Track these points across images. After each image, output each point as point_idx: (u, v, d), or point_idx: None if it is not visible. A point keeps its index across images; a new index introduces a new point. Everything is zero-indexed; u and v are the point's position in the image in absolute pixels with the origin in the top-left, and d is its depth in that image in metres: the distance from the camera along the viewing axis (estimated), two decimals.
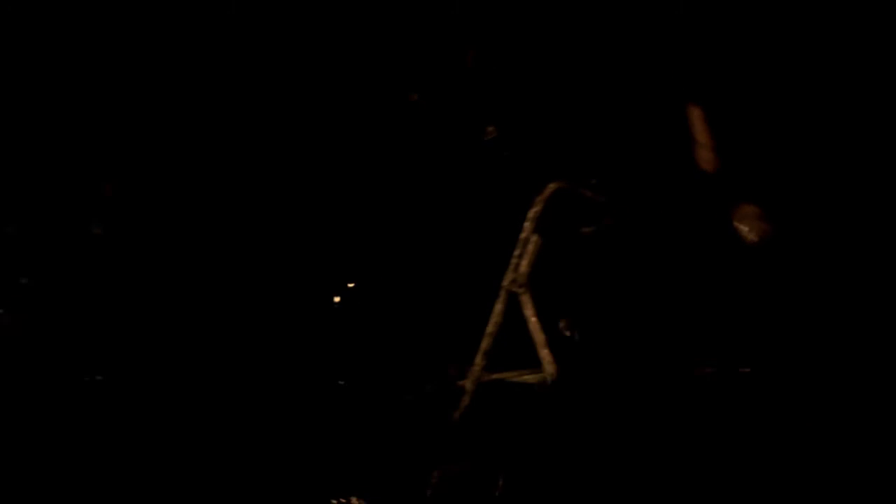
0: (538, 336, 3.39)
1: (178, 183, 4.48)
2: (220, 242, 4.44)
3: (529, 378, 3.49)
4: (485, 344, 3.43)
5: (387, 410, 3.84)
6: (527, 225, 3.45)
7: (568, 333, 3.87)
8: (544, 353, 3.38)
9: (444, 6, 4.46)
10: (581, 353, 3.70)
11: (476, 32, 4.42)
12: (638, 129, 4.37)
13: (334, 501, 3.46)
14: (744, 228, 3.61)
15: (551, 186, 3.47)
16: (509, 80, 4.46)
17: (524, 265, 3.42)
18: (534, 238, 3.44)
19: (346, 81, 4.53)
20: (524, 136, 4.39)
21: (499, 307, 3.43)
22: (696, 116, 3.73)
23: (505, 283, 3.43)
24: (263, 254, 4.43)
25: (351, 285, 4.35)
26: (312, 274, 4.35)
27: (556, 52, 4.44)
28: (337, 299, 4.37)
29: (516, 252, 3.43)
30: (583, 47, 4.41)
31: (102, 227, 4.39)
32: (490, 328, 3.43)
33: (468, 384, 3.44)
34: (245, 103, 4.51)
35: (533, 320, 3.40)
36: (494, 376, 3.48)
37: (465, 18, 4.43)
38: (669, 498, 3.23)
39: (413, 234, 4.33)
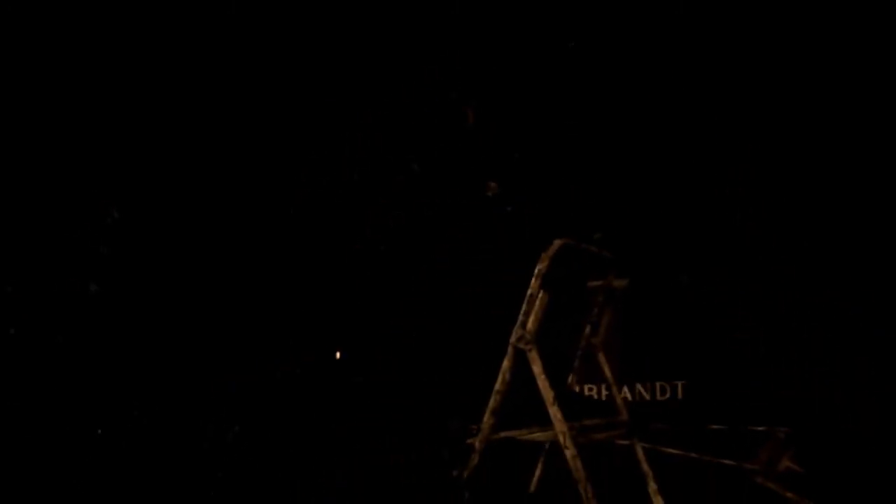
0: (547, 393, 3.35)
1: None
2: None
3: (539, 436, 3.45)
4: (493, 402, 3.40)
5: (395, 470, 3.80)
6: (533, 282, 3.43)
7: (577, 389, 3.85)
8: (554, 410, 3.34)
9: (443, 64, 4.49)
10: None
11: (474, 89, 4.45)
12: (642, 183, 4.39)
13: None
14: None
15: (557, 242, 3.45)
16: (510, 136, 4.48)
17: (531, 322, 3.39)
18: (541, 294, 3.42)
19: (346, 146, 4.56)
20: (527, 190, 4.40)
21: (506, 364, 3.40)
22: None
23: (512, 340, 3.40)
24: (270, 310, 4.42)
25: (356, 344, 4.33)
26: (320, 329, 4.33)
27: (556, 106, 4.47)
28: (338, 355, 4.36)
29: (523, 309, 3.41)
30: (584, 100, 4.44)
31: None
32: (498, 386, 3.40)
33: (477, 443, 3.40)
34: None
35: (541, 377, 3.36)
36: (504, 434, 3.44)
37: (464, 76, 4.47)
38: None
39: (419, 292, 4.32)
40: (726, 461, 3.24)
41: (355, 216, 4.49)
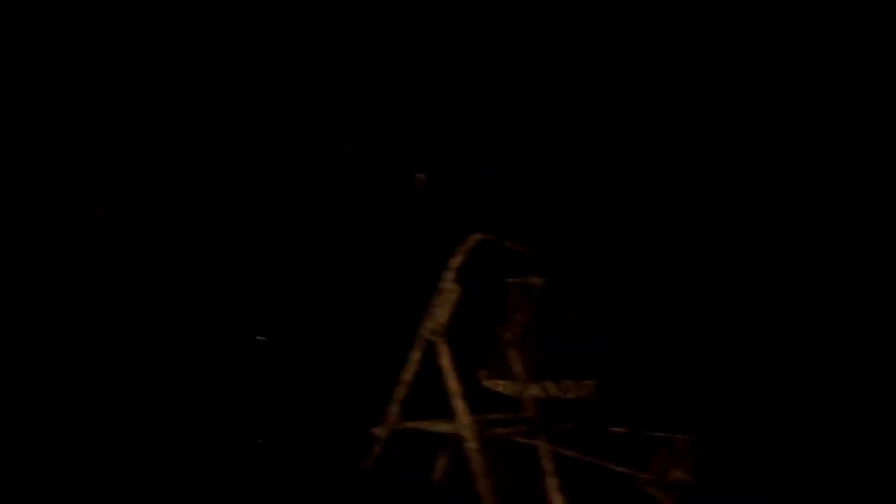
0: (454, 385, 3.38)
1: None
2: None
3: (443, 427, 3.48)
4: (399, 392, 3.42)
5: (299, 458, 3.81)
6: (448, 274, 3.45)
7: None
8: (459, 403, 3.37)
9: (378, 56, 4.49)
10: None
11: (413, 82, 4.45)
12: (566, 181, 4.42)
13: None
14: None
15: (475, 237, 3.48)
16: (443, 128, 4.49)
17: (442, 314, 3.42)
18: (454, 288, 3.44)
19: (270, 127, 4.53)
20: (454, 185, 4.41)
21: (415, 356, 3.42)
22: None
23: (422, 331, 3.43)
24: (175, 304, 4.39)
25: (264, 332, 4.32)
26: (224, 322, 4.31)
27: (490, 102, 4.48)
28: (259, 338, 4.34)
29: (435, 301, 3.43)
30: (512, 96, 4.46)
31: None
32: (405, 376, 3.42)
33: (381, 432, 3.42)
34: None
35: (449, 370, 3.39)
36: (408, 425, 3.46)
37: (402, 68, 4.46)
38: None
39: (332, 279, 4.31)
40: (621, 468, 3.28)
41: (275, 201, 4.46)
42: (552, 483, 3.71)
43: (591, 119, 4.39)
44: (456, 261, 3.45)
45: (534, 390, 4.08)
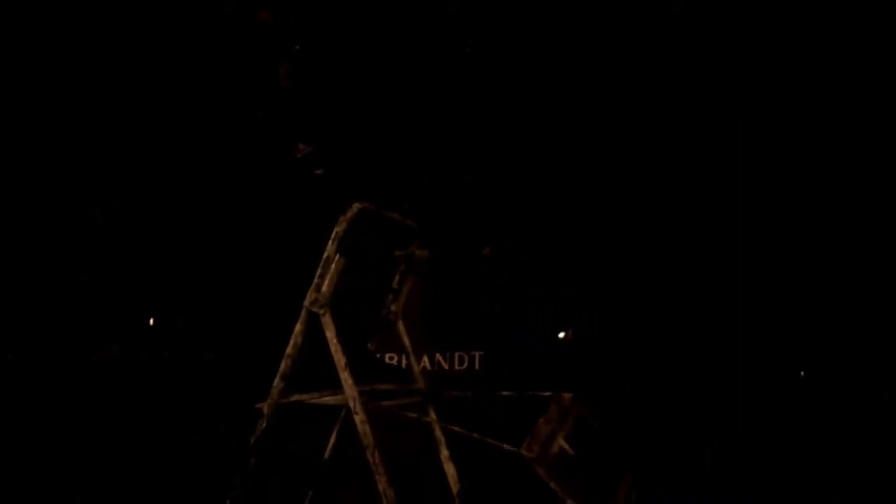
0: (339, 357, 3.32)
1: None
2: None
3: (329, 400, 3.42)
4: (284, 366, 3.34)
5: (185, 435, 3.72)
6: (330, 244, 3.38)
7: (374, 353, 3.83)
8: (345, 376, 3.31)
9: (258, 24, 4.41)
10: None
11: (291, 48, 4.38)
12: (449, 154, 4.41)
13: None
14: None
15: (355, 206, 3.41)
16: (325, 98, 4.43)
17: (326, 285, 3.34)
18: (337, 258, 3.37)
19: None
20: (339, 155, 4.36)
21: (299, 328, 3.35)
22: None
23: (306, 303, 3.35)
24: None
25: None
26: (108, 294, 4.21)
27: (374, 72, 4.43)
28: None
29: (318, 272, 3.35)
30: (404, 67, 4.43)
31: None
32: (289, 350, 3.34)
33: (266, 407, 3.34)
34: None
35: (334, 341, 3.32)
36: (293, 398, 3.38)
37: (280, 35, 4.39)
38: None
39: (214, 250, 4.23)
40: (506, 446, 3.25)
41: (159, 176, 4.37)
42: (443, 453, 3.69)
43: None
44: (338, 229, 3.38)
45: (424, 363, 4.06)
